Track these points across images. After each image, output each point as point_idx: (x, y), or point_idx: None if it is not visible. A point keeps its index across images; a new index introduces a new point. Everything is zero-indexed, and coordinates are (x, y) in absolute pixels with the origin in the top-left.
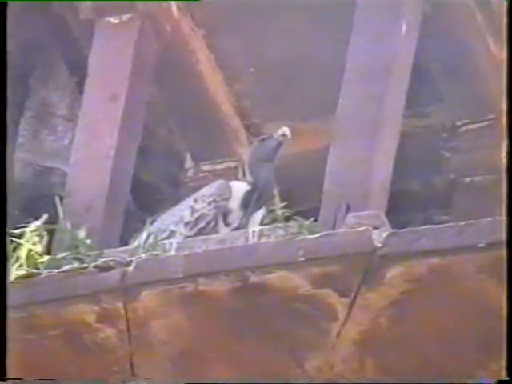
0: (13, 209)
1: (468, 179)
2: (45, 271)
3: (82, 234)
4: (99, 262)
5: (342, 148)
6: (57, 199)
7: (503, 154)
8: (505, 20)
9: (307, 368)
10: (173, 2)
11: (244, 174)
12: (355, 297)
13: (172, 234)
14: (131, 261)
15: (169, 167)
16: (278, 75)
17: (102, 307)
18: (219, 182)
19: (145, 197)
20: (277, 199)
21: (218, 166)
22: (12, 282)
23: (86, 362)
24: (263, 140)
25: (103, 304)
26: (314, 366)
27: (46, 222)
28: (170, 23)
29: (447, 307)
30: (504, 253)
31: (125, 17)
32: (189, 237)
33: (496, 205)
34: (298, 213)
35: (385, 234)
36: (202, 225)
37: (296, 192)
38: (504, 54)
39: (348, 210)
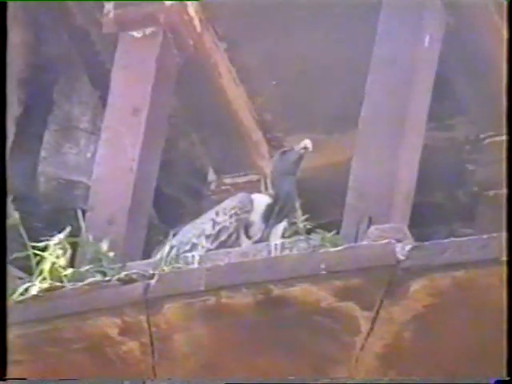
0: (36, 222)
1: (492, 192)
2: (68, 284)
3: (104, 246)
4: (122, 275)
5: (365, 160)
6: (79, 212)
7: None
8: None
9: (330, 381)
10: (195, 16)
11: (266, 187)
12: (378, 310)
13: (194, 246)
14: (154, 274)
15: (191, 180)
16: (299, 88)
17: (124, 320)
18: (241, 195)
19: (167, 210)
20: (299, 212)
21: (240, 179)
22: (35, 295)
23: (108, 375)
24: (284, 153)
25: (126, 317)
26: (338, 379)
27: (69, 235)
28: (192, 37)
29: (471, 321)
30: None
31: (147, 30)
32: (211, 250)
33: None
34: (320, 226)
35: (408, 247)
36: (223, 238)
37: (318, 205)
38: None
39: (370, 222)
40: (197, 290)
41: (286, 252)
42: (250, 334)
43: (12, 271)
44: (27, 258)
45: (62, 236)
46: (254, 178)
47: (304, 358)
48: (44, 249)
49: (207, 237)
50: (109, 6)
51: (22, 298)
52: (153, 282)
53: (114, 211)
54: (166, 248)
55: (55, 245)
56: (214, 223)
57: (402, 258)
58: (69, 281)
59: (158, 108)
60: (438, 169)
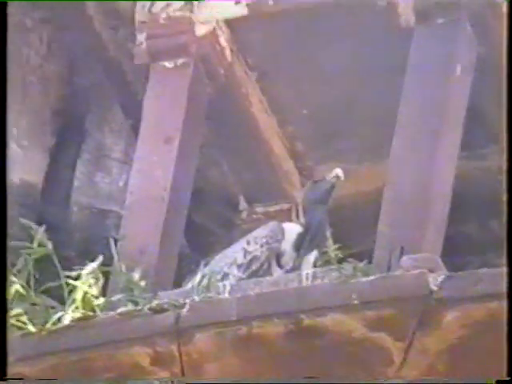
0: (69, 251)
1: None
2: (100, 313)
3: (136, 276)
4: (153, 304)
5: (397, 189)
6: (112, 241)
7: None
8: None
9: None
10: (226, 46)
11: (297, 216)
12: (411, 341)
13: (225, 276)
14: (185, 303)
15: (222, 209)
16: (330, 117)
17: (155, 350)
18: (272, 224)
19: (198, 239)
20: (330, 241)
21: (271, 208)
22: (68, 325)
23: None
24: (316, 182)
25: (157, 347)
26: None
27: (101, 265)
28: (223, 66)
29: (505, 353)
30: None
31: (179, 61)
32: (242, 279)
33: None
34: (352, 255)
35: (441, 278)
36: (255, 267)
37: (349, 234)
38: None
39: (403, 252)
40: (228, 319)
41: (318, 281)
42: (282, 364)
43: (45, 300)
44: (60, 287)
45: (94, 265)
46: (285, 206)
47: None
48: (76, 278)
49: (239, 266)
50: (141, 37)
51: (54, 327)
52: (184, 311)
53: (146, 240)
54: (198, 277)
55: (88, 274)
56: (246, 252)
57: (435, 288)
58: (101, 310)
59: (190, 137)
60: (471, 198)
